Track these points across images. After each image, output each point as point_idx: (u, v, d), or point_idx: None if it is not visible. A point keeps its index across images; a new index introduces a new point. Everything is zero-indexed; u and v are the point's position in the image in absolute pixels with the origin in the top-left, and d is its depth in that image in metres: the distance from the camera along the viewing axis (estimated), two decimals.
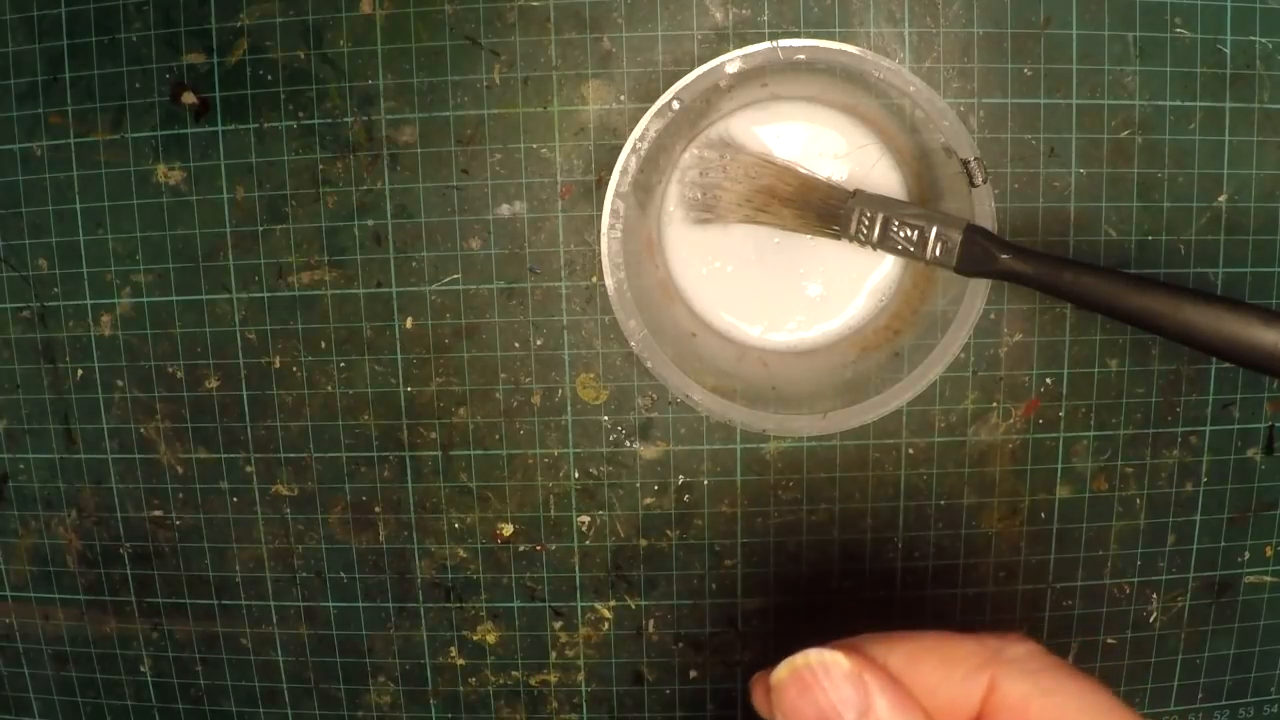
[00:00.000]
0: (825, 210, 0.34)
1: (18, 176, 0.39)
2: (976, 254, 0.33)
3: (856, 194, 0.34)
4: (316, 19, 0.38)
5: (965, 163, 0.33)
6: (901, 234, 0.33)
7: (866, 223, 0.34)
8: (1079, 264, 0.33)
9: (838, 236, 0.34)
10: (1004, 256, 0.33)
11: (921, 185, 0.36)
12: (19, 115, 0.39)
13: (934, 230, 0.33)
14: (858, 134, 0.36)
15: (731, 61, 0.32)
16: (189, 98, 0.38)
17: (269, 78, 0.38)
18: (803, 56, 0.32)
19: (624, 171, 0.33)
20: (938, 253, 0.33)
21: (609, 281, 0.33)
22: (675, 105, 0.33)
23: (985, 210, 0.33)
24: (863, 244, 0.34)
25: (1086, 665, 0.40)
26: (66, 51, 0.39)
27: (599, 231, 0.33)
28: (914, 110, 0.33)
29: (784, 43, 0.32)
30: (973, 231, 0.33)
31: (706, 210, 0.36)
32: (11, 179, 0.39)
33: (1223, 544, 0.40)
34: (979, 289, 0.33)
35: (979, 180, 0.33)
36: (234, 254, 0.39)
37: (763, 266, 0.37)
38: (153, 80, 0.39)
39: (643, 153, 0.33)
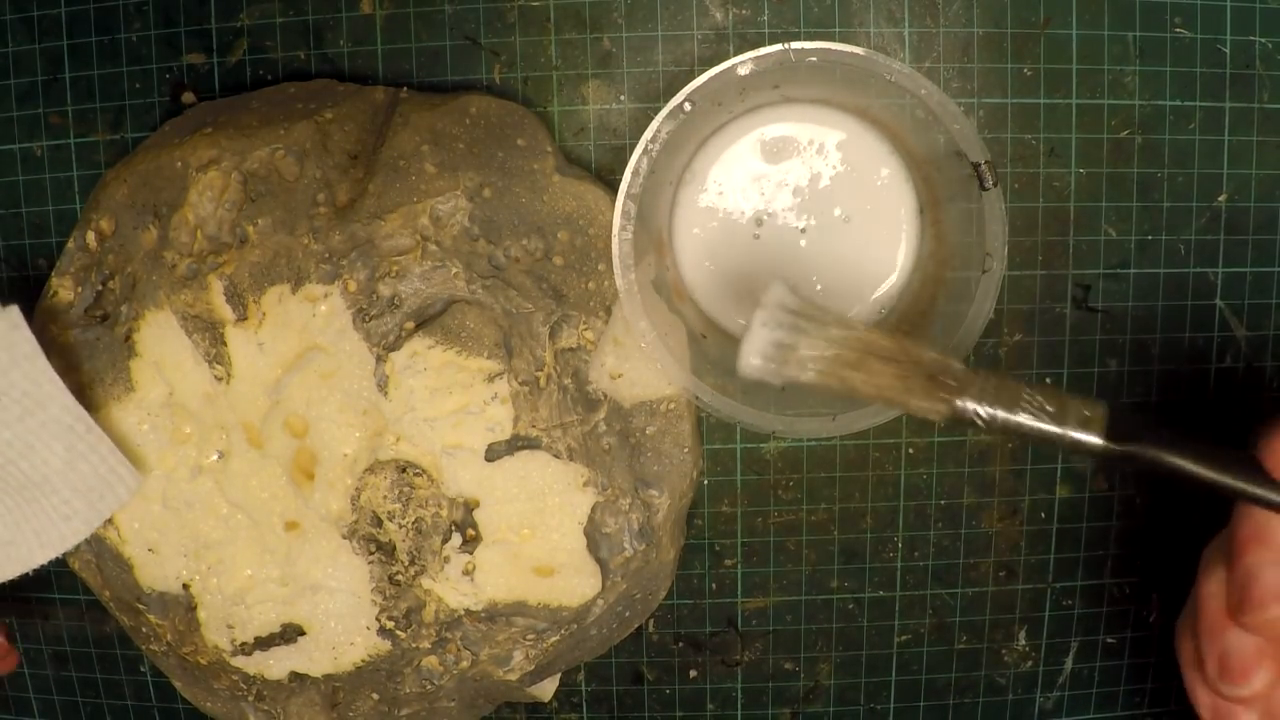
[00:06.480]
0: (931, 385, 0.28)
1: (18, 176, 0.39)
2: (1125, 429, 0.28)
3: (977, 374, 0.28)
4: (316, 19, 0.38)
5: (976, 166, 0.32)
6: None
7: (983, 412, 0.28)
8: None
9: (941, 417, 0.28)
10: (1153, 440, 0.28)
11: (931, 188, 0.36)
12: (19, 115, 0.39)
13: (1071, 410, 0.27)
14: (868, 136, 0.36)
15: (744, 64, 0.32)
16: (189, 98, 0.38)
17: (269, 78, 0.38)
18: (815, 59, 0.32)
19: (636, 173, 0.33)
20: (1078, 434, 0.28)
21: (620, 282, 0.33)
22: (687, 106, 0.33)
23: (996, 213, 0.33)
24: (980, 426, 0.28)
25: (1087, 665, 0.41)
26: (66, 51, 0.39)
27: (612, 233, 0.33)
28: (926, 113, 0.33)
29: (796, 45, 0.32)
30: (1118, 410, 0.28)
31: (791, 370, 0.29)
32: (11, 179, 0.39)
33: None
34: (988, 291, 0.33)
35: (990, 183, 0.32)
36: None
37: (773, 271, 0.37)
38: (153, 80, 0.39)
39: (654, 154, 0.33)
